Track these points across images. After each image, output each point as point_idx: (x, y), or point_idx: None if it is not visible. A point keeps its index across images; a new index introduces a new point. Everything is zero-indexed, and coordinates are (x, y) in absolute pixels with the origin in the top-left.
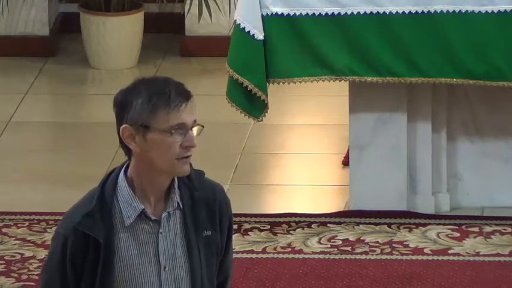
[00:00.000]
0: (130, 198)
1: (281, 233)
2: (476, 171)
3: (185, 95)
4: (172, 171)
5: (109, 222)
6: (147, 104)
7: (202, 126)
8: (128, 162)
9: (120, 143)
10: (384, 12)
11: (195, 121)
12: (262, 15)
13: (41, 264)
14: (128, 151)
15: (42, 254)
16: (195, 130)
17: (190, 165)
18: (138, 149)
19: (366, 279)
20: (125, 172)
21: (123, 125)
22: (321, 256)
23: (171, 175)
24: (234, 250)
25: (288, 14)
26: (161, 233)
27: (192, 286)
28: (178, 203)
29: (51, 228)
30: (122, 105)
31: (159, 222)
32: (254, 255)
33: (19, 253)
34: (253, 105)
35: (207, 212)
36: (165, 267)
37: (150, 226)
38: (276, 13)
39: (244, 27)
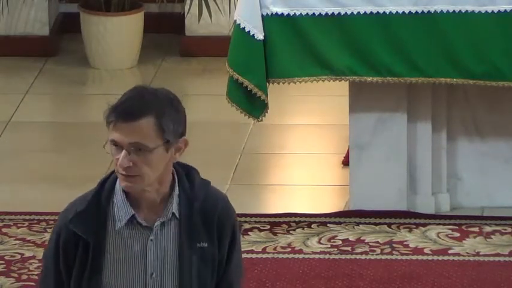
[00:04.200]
0: (123, 202)
1: (281, 233)
2: (476, 171)
3: (126, 114)
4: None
5: (101, 223)
6: (106, 113)
7: (153, 149)
8: None
9: None
10: (384, 12)
11: (134, 143)
12: (262, 15)
13: (41, 264)
14: None
15: (42, 254)
16: (154, 151)
17: (197, 173)
18: None
19: (366, 279)
20: None
21: None
22: (321, 256)
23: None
24: None
25: (288, 14)
26: (151, 240)
27: None
28: (173, 213)
29: (51, 228)
30: None
31: (151, 229)
32: (254, 255)
33: (19, 253)
34: (253, 105)
35: (204, 224)
36: (152, 274)
37: (140, 232)
38: (276, 13)
39: (244, 27)
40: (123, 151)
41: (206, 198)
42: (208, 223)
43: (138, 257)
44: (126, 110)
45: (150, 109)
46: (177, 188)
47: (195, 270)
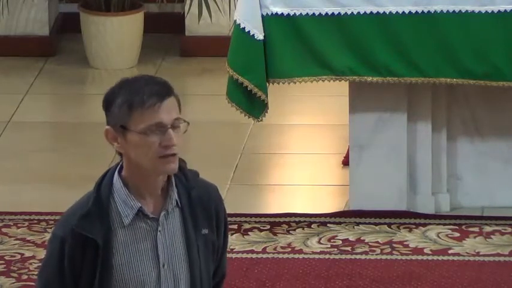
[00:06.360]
0: (126, 197)
1: (281, 233)
2: (476, 171)
3: (161, 94)
4: (156, 170)
5: (106, 223)
6: (123, 105)
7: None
8: (121, 162)
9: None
10: (384, 12)
11: (177, 119)
12: (262, 15)
13: (41, 264)
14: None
15: (42, 254)
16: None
17: (186, 164)
18: (121, 149)
19: (366, 279)
20: (119, 172)
21: (106, 127)
22: (321, 256)
23: (158, 174)
24: (234, 250)
25: (288, 14)
26: (159, 231)
27: (191, 283)
28: (176, 200)
29: (51, 228)
30: (106, 105)
31: (157, 220)
32: (254, 255)
33: (19, 253)
34: (253, 105)
35: (202, 211)
36: (163, 265)
37: (148, 224)
38: (276, 13)
39: (244, 27)
40: (169, 130)
41: (199, 187)
42: (206, 210)
43: (149, 250)
44: (160, 89)
45: (169, 87)
46: (173, 177)
47: (202, 257)
